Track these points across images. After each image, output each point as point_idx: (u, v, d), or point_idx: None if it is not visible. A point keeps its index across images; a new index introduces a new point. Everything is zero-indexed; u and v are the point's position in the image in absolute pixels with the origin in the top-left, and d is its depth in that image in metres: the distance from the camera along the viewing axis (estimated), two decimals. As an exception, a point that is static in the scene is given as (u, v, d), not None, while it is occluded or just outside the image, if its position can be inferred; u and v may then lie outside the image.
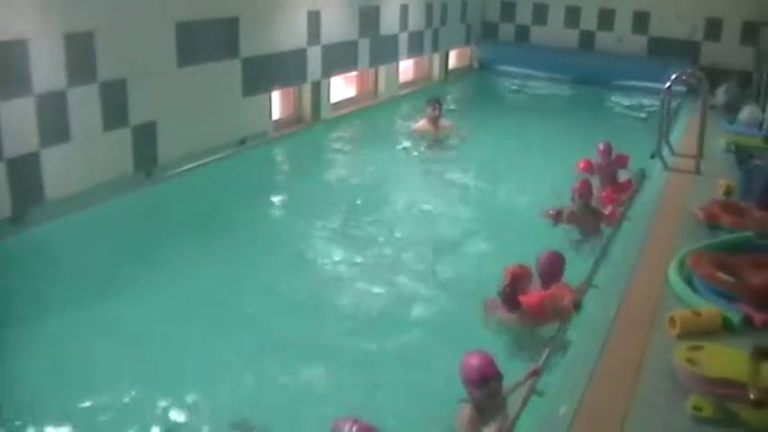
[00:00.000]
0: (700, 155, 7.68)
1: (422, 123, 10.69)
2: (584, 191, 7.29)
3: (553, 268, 5.63)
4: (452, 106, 13.01)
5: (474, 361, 4.09)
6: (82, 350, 4.97)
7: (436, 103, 10.57)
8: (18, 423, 4.19)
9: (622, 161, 8.63)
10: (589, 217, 7.24)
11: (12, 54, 6.40)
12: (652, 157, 8.11)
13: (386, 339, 5.36)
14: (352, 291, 6.16)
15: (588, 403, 3.69)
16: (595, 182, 7.92)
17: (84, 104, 7.15)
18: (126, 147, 7.72)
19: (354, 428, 3.51)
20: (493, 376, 4.04)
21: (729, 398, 3.57)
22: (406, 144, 10.48)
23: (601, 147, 8.90)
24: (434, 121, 10.52)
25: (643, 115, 9.57)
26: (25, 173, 6.66)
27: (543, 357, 4.47)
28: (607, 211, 7.21)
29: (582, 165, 8.52)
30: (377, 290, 6.17)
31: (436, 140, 10.49)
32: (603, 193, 7.70)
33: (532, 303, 5.24)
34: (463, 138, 10.60)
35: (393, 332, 5.47)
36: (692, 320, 4.28)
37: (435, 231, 7.46)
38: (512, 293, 5.13)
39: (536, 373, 4.30)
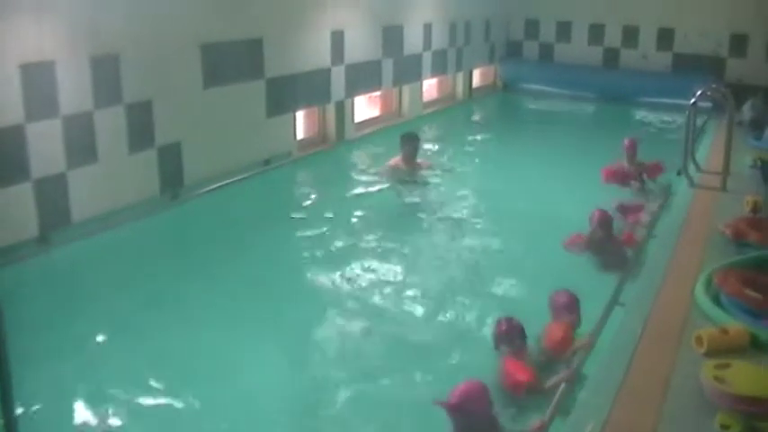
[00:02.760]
0: (726, 171, 7.61)
1: (395, 161, 9.58)
2: (604, 221, 6.97)
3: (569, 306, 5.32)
4: (477, 133, 12.97)
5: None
6: (106, 369, 4.99)
7: (412, 139, 9.55)
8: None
9: (656, 171, 8.54)
10: (609, 247, 6.97)
11: (39, 76, 6.50)
12: (678, 173, 8.05)
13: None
14: (376, 311, 6.14)
15: (615, 420, 3.65)
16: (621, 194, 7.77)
17: (111, 126, 7.24)
18: (152, 168, 7.80)
19: None
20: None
21: (757, 416, 3.52)
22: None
23: (626, 142, 8.85)
24: (410, 159, 9.45)
25: (669, 133, 9.48)
26: (52, 194, 6.74)
27: (575, 365, 4.45)
28: (624, 235, 7.06)
29: (605, 176, 8.46)
30: (405, 311, 6.15)
31: (411, 180, 9.39)
32: (633, 217, 7.57)
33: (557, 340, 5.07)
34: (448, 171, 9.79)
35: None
36: (719, 338, 4.22)
37: (468, 254, 7.42)
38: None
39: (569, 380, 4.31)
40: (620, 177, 8.55)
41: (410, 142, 9.49)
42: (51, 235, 6.71)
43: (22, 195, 6.48)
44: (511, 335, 4.89)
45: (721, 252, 5.58)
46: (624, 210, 7.76)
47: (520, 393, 4.54)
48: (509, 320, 4.96)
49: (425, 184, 9.37)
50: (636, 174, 8.75)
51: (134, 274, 6.36)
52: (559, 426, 3.97)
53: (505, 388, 4.62)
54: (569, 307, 5.18)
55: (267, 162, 9.36)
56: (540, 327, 5.18)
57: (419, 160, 9.58)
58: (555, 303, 5.27)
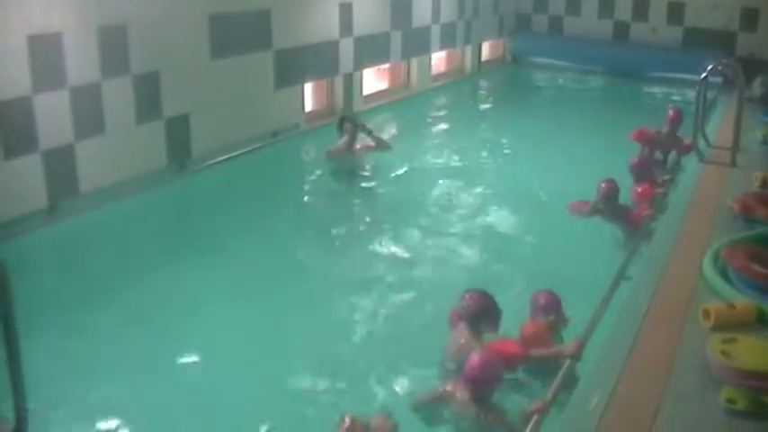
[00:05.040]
0: (736, 147, 7.57)
1: (338, 146, 8.80)
2: (610, 192, 6.94)
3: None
4: (485, 100, 12.93)
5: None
6: (112, 339, 5.02)
7: (349, 123, 8.79)
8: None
9: (686, 148, 8.48)
10: (616, 216, 6.98)
11: (46, 47, 6.48)
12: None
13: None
14: (386, 282, 6.15)
15: (620, 394, 3.66)
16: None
17: (118, 97, 7.23)
18: (159, 139, 7.79)
19: None
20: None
21: (763, 390, 3.53)
22: (440, 133, 10.38)
23: (671, 113, 8.76)
24: (349, 144, 8.74)
25: (679, 107, 9.46)
26: (60, 165, 6.74)
27: (580, 345, 4.44)
28: (636, 210, 7.04)
29: (636, 133, 8.40)
30: (413, 283, 6.17)
31: (356, 164, 8.86)
32: (640, 189, 7.47)
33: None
34: (387, 148, 9.06)
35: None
36: (726, 313, 4.22)
37: (480, 224, 7.43)
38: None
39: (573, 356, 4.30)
40: (648, 140, 8.44)
41: (347, 126, 8.73)
42: (60, 206, 6.73)
43: (31, 167, 6.49)
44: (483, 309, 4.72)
45: (729, 227, 5.57)
46: (639, 169, 7.70)
47: (516, 367, 4.52)
48: (478, 293, 4.77)
49: (367, 169, 8.90)
50: (666, 145, 8.66)
51: (141, 245, 6.40)
52: (564, 401, 3.98)
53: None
54: (546, 309, 4.92)
55: (275, 134, 9.34)
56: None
57: (360, 144, 8.84)
58: (534, 303, 5.01)
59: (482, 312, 4.65)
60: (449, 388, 4.24)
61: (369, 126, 8.83)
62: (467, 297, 4.71)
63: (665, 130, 8.67)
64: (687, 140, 8.33)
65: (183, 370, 4.83)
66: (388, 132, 10.58)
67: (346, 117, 8.90)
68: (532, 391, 4.45)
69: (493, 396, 4.13)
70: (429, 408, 4.26)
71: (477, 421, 4.06)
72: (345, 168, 8.69)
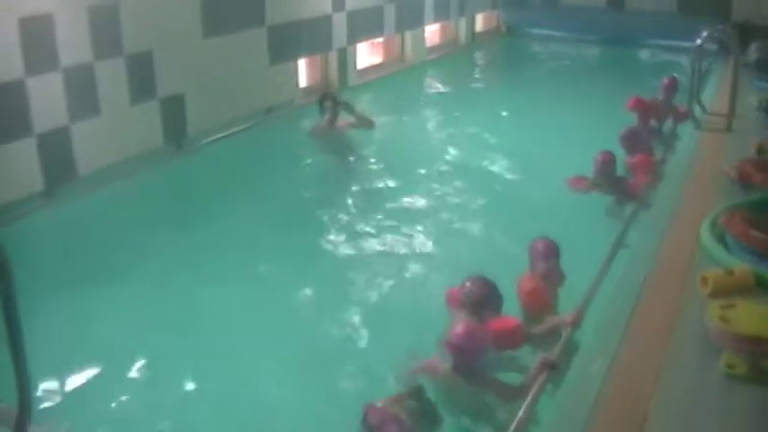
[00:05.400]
0: (732, 113, 7.55)
1: (320, 125, 8.71)
2: (606, 165, 6.93)
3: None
4: (479, 72, 12.88)
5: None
6: (111, 320, 5.03)
7: (329, 100, 8.59)
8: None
9: (682, 115, 8.46)
10: (613, 188, 6.98)
11: (37, 29, 6.44)
12: (684, 115, 8.01)
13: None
14: (381, 258, 6.17)
15: (621, 361, 3.68)
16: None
17: (112, 78, 7.20)
18: (155, 119, 7.77)
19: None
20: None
21: (762, 355, 3.55)
22: (436, 106, 10.35)
23: (666, 81, 8.74)
24: (331, 121, 8.60)
25: (674, 74, 9.42)
26: (56, 148, 6.72)
27: (579, 313, 4.46)
28: (632, 180, 7.03)
29: (632, 102, 8.37)
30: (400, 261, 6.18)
31: (338, 143, 8.70)
32: (635, 159, 7.47)
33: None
34: (370, 126, 8.84)
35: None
36: (724, 279, 4.22)
37: (476, 197, 7.43)
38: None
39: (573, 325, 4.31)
40: (644, 109, 8.41)
41: (327, 103, 8.55)
42: (57, 189, 6.72)
43: (26, 150, 6.47)
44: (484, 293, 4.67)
45: (726, 194, 5.56)
46: (629, 140, 7.67)
47: (522, 342, 4.52)
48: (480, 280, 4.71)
49: (349, 146, 8.77)
50: (662, 113, 8.64)
51: (139, 227, 6.38)
52: (565, 368, 4.00)
53: (504, 347, 4.54)
54: (545, 255, 4.98)
55: (270, 111, 9.33)
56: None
57: (340, 122, 8.65)
58: (532, 250, 5.07)
59: (484, 300, 4.61)
60: (429, 361, 4.25)
61: (351, 102, 8.72)
62: (468, 284, 4.66)
63: (660, 98, 8.65)
64: (682, 108, 8.31)
65: (181, 348, 4.83)
66: (383, 106, 10.55)
67: (326, 94, 8.75)
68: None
69: (477, 368, 4.13)
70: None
71: (459, 391, 4.07)
72: (333, 146, 8.58)
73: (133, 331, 4.95)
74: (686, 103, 7.72)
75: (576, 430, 3.23)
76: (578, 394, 3.61)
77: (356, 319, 5.26)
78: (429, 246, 6.40)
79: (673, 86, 8.64)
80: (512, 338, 4.43)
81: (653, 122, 8.60)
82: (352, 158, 8.58)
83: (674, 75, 8.82)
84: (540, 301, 4.73)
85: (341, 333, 5.06)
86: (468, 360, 4.08)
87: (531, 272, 4.98)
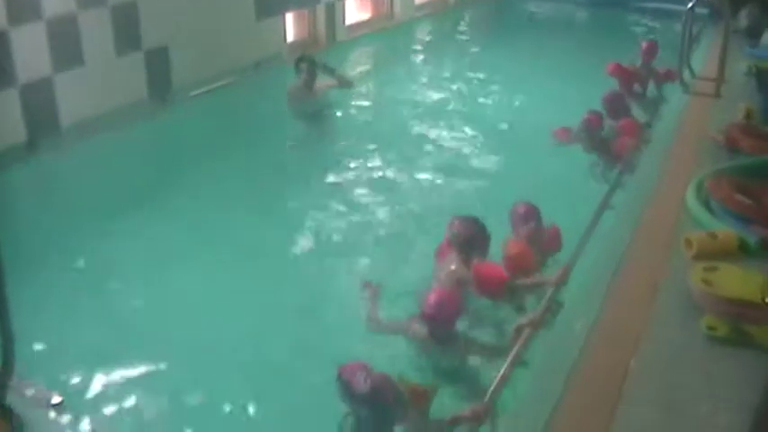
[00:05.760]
0: (721, 78, 7.54)
1: (296, 87, 8.21)
2: (590, 123, 6.91)
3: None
4: (468, 31, 12.77)
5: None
6: (93, 277, 5.01)
7: (305, 62, 8.13)
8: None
9: (671, 76, 8.41)
10: (598, 148, 6.93)
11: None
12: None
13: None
14: (368, 216, 6.16)
15: (603, 321, 3.71)
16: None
17: (96, 28, 7.09)
18: (139, 71, 7.68)
19: (369, 379, 3.39)
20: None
21: (744, 318, 3.58)
22: (424, 65, 10.24)
23: (644, 45, 8.70)
24: (309, 83, 8.15)
25: (652, 39, 9.37)
26: (39, 99, 6.64)
27: (564, 272, 4.47)
28: (618, 142, 7.00)
29: (612, 67, 8.33)
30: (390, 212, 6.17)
31: (316, 106, 8.32)
32: (622, 123, 7.44)
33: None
34: (349, 86, 8.56)
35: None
36: (708, 242, 4.25)
37: (461, 157, 7.40)
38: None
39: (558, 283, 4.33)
40: (625, 75, 8.37)
41: (304, 66, 8.12)
42: (40, 141, 6.64)
43: (9, 101, 6.39)
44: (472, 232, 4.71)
45: (713, 158, 5.58)
46: (611, 104, 7.61)
47: (502, 293, 4.55)
48: (467, 220, 4.75)
49: (329, 109, 8.54)
50: (643, 78, 8.60)
51: (123, 179, 6.34)
52: (548, 327, 4.03)
53: (483, 293, 4.59)
54: (525, 217, 4.98)
55: (257, 65, 9.22)
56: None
57: (318, 84, 8.26)
58: (513, 214, 5.06)
59: (471, 238, 4.65)
60: (406, 324, 4.26)
61: (330, 64, 8.39)
62: (455, 223, 4.70)
63: (639, 62, 8.60)
64: (663, 70, 8.29)
65: (160, 302, 4.82)
66: (370, 63, 10.47)
67: (303, 57, 8.39)
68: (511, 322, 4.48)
69: (453, 333, 4.15)
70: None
71: (433, 357, 4.10)
72: (312, 108, 8.28)
73: (114, 284, 4.92)
74: (674, 66, 7.69)
75: (556, 389, 3.26)
76: (560, 353, 3.64)
77: (340, 276, 5.26)
78: (412, 203, 6.37)
79: (652, 50, 8.59)
80: (494, 286, 4.45)
81: (637, 87, 8.56)
82: (333, 118, 8.49)
83: (653, 39, 8.73)
84: (525, 265, 4.73)
85: (322, 289, 5.06)
86: (442, 328, 4.11)
87: (516, 236, 4.99)
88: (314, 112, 8.22)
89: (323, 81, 8.28)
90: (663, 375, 3.32)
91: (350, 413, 3.42)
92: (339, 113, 8.51)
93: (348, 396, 3.43)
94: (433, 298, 4.09)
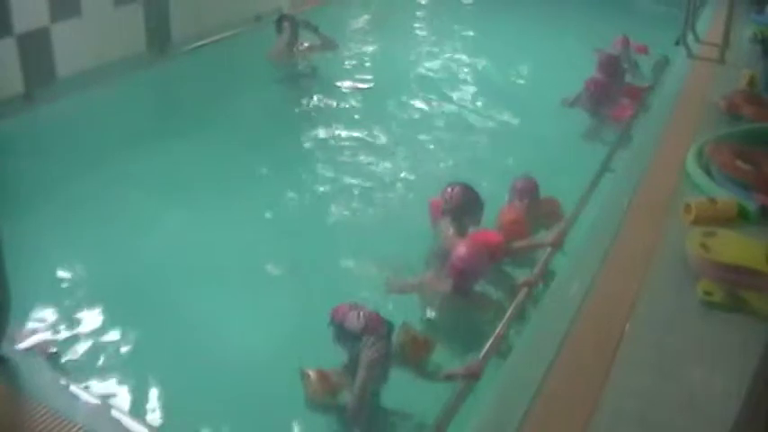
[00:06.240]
0: (725, 44, 7.48)
1: (277, 47, 8.02)
2: (594, 88, 6.84)
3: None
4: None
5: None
6: (90, 228, 4.98)
7: (287, 21, 7.93)
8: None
9: (642, 51, 8.37)
10: (597, 110, 6.87)
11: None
12: (677, 43, 7.91)
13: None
14: (363, 178, 6.11)
15: (600, 284, 3.72)
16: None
17: (94, -23, 6.99)
18: (138, 22, 7.58)
19: (362, 315, 3.42)
20: None
21: (740, 285, 3.59)
22: (414, 29, 10.07)
23: (620, 39, 8.60)
24: (290, 44, 7.95)
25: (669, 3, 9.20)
26: (36, 49, 6.55)
27: (561, 235, 4.46)
28: (618, 108, 6.92)
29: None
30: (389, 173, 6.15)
31: (298, 69, 8.15)
32: (624, 87, 7.33)
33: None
34: (334, 48, 8.36)
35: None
36: (707, 208, 4.25)
37: (457, 121, 7.32)
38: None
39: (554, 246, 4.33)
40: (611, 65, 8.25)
41: (284, 26, 7.94)
42: (37, 92, 6.57)
43: (6, 51, 6.29)
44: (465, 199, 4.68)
45: (715, 124, 5.56)
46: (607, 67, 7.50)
47: (499, 257, 4.53)
48: (461, 187, 4.71)
49: (312, 71, 8.24)
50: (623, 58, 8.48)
51: (120, 132, 6.27)
52: (544, 289, 4.02)
53: None
54: (522, 192, 4.97)
55: (258, 18, 9.12)
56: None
57: (302, 46, 8.11)
58: (512, 188, 5.05)
59: (465, 206, 4.62)
60: (427, 280, 4.23)
61: (314, 23, 8.16)
62: (449, 190, 4.67)
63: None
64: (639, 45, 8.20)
65: (156, 254, 4.77)
66: (367, 20, 10.31)
67: (284, 16, 8.21)
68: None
69: (473, 288, 4.16)
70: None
71: (457, 312, 4.10)
72: (295, 69, 8.15)
73: (106, 237, 4.90)
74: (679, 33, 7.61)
75: (551, 350, 3.27)
76: (558, 309, 3.64)
77: (335, 231, 5.24)
78: (407, 163, 6.30)
79: (625, 43, 8.37)
80: (491, 252, 4.43)
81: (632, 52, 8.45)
82: (320, 79, 8.27)
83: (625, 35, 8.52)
84: (520, 233, 4.72)
85: (318, 244, 5.04)
86: (470, 282, 4.10)
87: (511, 204, 4.98)
88: (296, 75, 8.04)
89: (307, 42, 8.12)
90: (658, 339, 3.33)
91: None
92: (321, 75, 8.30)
93: (342, 337, 3.46)
94: (463, 250, 4.07)
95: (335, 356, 3.55)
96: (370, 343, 3.31)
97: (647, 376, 3.09)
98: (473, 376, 3.33)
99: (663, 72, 7.61)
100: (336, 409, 3.42)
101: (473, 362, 3.39)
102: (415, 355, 3.54)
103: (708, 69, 7.24)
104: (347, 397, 3.38)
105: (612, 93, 6.89)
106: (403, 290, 4.28)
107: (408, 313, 3.99)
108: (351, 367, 3.42)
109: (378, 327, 3.35)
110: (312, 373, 3.45)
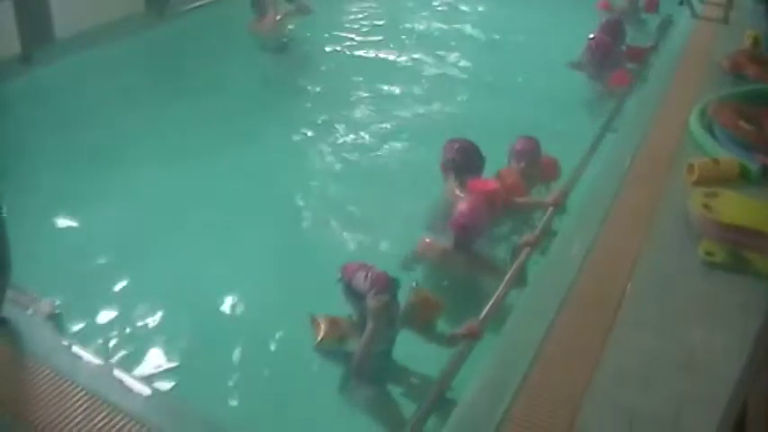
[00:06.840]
0: (729, 4, 7.42)
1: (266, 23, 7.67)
2: (597, 49, 6.69)
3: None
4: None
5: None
6: (87, 191, 4.96)
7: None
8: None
9: (652, 6, 8.27)
10: (599, 71, 6.72)
11: None
12: (680, 3, 7.85)
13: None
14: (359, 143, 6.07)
15: (601, 243, 3.72)
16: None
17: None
18: (136, -18, 7.51)
19: (369, 275, 3.42)
20: None
21: (742, 245, 3.58)
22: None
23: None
24: (263, 14, 7.64)
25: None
26: (33, 8, 6.48)
27: (562, 194, 4.43)
28: (620, 69, 6.85)
29: (602, 2, 8.15)
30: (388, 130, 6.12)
31: (280, 40, 7.73)
32: (627, 49, 7.25)
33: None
34: (308, 12, 8.09)
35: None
36: (710, 168, 4.24)
37: (456, 84, 7.24)
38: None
39: (555, 205, 4.30)
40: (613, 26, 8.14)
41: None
42: (34, 53, 6.50)
43: (2, 11, 6.23)
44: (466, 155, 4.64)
45: (718, 84, 5.53)
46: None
47: (499, 207, 4.49)
48: (461, 143, 4.67)
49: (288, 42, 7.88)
50: (630, 9, 8.38)
51: (118, 94, 6.22)
52: (546, 248, 4.00)
53: None
54: (520, 154, 4.85)
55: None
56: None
57: (278, 16, 7.72)
58: (511, 148, 4.92)
59: (467, 161, 4.59)
60: (428, 240, 4.21)
61: None
62: (449, 146, 4.64)
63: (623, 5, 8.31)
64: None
65: (154, 216, 4.73)
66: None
67: None
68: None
69: (475, 245, 4.15)
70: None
71: (459, 268, 4.10)
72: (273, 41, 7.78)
73: (103, 194, 4.88)
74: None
75: (551, 311, 3.28)
76: (562, 268, 3.64)
77: (338, 188, 5.23)
78: (407, 122, 6.25)
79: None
80: (491, 200, 4.40)
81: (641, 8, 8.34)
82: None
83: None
84: (517, 192, 4.67)
85: (320, 202, 5.04)
86: (472, 237, 4.09)
87: (509, 165, 4.94)
88: (278, 45, 7.75)
89: (281, 11, 7.78)
90: (659, 299, 3.33)
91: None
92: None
93: (351, 295, 3.49)
94: (465, 206, 4.07)
95: (344, 311, 3.58)
96: (374, 294, 3.32)
97: (648, 336, 3.10)
98: (473, 336, 3.33)
99: (666, 32, 7.53)
100: (342, 359, 3.43)
101: (474, 321, 3.40)
102: (424, 315, 3.54)
103: (711, 29, 7.19)
104: (354, 346, 3.40)
105: (614, 54, 6.82)
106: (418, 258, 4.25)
107: (412, 274, 4.00)
108: (360, 323, 3.44)
109: (386, 287, 3.36)
110: (322, 318, 3.50)
